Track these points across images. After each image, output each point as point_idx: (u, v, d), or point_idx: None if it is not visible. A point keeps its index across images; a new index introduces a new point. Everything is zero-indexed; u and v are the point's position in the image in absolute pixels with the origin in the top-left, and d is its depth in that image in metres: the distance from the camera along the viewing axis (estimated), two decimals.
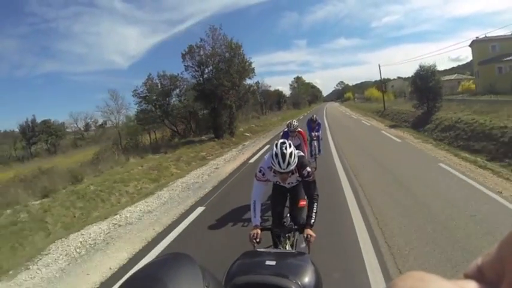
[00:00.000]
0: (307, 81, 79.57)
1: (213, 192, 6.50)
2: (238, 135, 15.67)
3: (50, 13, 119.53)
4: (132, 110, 18.93)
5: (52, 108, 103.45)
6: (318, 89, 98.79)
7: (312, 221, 2.17)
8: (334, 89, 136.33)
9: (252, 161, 9.82)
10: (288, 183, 2.46)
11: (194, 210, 5.43)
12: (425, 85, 14.84)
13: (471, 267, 0.23)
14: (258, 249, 1.56)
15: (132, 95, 17.10)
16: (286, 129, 5.13)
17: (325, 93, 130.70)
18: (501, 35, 29.55)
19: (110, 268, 3.69)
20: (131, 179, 8.19)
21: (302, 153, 2.38)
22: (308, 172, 2.26)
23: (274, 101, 43.31)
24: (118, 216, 5.58)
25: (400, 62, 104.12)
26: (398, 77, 68.07)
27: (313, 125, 6.87)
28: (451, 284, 0.20)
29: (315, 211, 2.20)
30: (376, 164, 7.88)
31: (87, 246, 4.42)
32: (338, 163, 8.06)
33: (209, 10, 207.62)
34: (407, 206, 4.74)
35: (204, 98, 14.43)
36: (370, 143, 11.50)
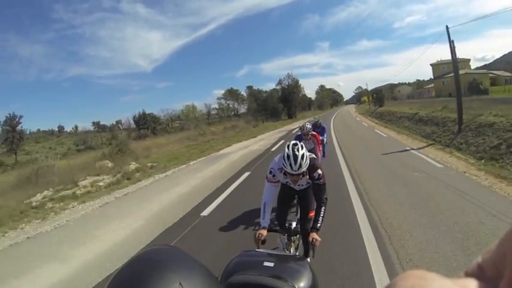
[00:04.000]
0: (330, 84, 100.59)
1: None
2: (297, 118, 37.12)
3: (76, 19, 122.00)
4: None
5: (78, 109, 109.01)
6: (339, 93, 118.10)
7: (318, 225, 2.15)
8: (354, 93, 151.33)
9: (306, 121, 31.28)
10: (298, 185, 2.45)
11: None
12: (377, 96, 35.26)
13: (472, 265, 0.23)
14: (257, 250, 1.58)
15: (244, 100, 39.68)
16: (299, 133, 4.92)
17: (347, 96, 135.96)
18: (448, 59, 48.43)
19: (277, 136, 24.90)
20: (276, 125, 29.68)
21: (314, 156, 2.39)
22: (319, 175, 2.26)
23: (305, 103, 64.16)
24: (280, 128, 26.93)
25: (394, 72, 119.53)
26: (400, 83, 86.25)
27: (317, 130, 6.33)
28: (451, 283, 0.20)
29: (322, 215, 2.18)
30: (343, 119, 28.98)
31: (270, 134, 25.75)
32: (332, 119, 28.98)
33: (231, 13, 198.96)
34: (347, 128, 25.65)
35: (284, 101, 36.27)
36: (346, 118, 32.69)
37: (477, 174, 6.60)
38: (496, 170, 6.95)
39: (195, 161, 11.85)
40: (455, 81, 12.68)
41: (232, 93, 56.91)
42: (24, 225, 6.15)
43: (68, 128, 75.77)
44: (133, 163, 12.95)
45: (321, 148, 5.19)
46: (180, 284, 0.46)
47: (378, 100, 35.26)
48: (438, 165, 7.67)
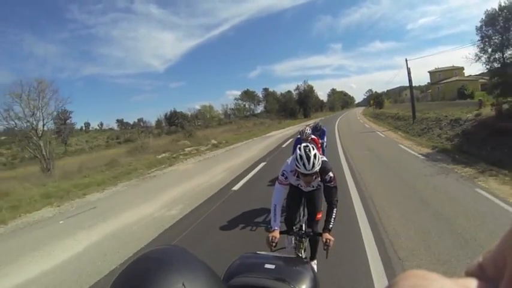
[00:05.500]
0: (343, 86, 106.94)
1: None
2: (311, 117, 45.23)
3: (90, 19, 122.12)
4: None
5: (92, 108, 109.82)
6: (350, 96, 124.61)
7: (331, 225, 2.21)
8: (364, 97, 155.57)
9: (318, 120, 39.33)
10: (309, 186, 2.52)
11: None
12: (378, 99, 42.96)
13: (473, 265, 0.24)
14: (258, 252, 1.59)
15: (259, 101, 48.11)
16: (299, 136, 4.98)
17: (359, 98, 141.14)
18: (444, 67, 55.54)
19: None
20: (295, 122, 37.83)
21: (325, 159, 2.42)
22: (330, 177, 2.32)
23: (318, 105, 71.93)
24: (299, 124, 35.14)
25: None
26: (401, 86, 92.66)
27: (317, 132, 6.54)
28: (452, 283, 0.21)
29: (333, 216, 2.24)
30: (347, 118, 36.91)
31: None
32: (339, 117, 36.88)
33: (244, 14, 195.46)
34: (347, 123, 33.63)
35: (300, 103, 44.56)
36: (350, 117, 40.55)
37: (398, 138, 14.66)
38: (412, 138, 14.94)
39: (254, 139, 20.21)
40: (411, 96, 20.64)
41: (248, 95, 63.93)
42: (192, 157, 14.01)
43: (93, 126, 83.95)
44: (213, 140, 21.25)
45: (320, 151, 5.11)
46: (183, 284, 0.47)
47: (377, 103, 42.93)
48: (383, 135, 15.80)
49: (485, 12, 15.00)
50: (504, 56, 14.02)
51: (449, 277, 0.21)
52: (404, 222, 4.26)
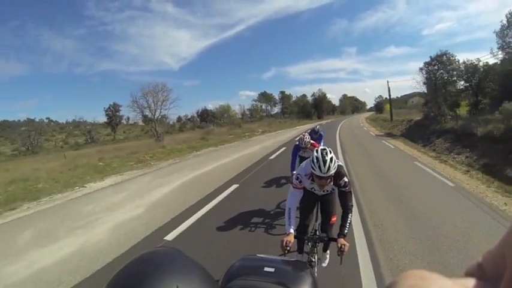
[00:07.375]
0: (357, 90, 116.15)
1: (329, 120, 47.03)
2: (324, 119, 56.30)
3: (107, 17, 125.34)
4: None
5: (105, 103, 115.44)
6: (360, 101, 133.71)
7: (346, 231, 2.22)
8: (375, 102, 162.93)
9: (329, 120, 50.28)
10: (323, 191, 2.50)
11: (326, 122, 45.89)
12: (379, 107, 53.64)
13: (472, 265, 0.24)
14: (258, 255, 1.55)
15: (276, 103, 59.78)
16: (297, 143, 5.00)
17: (372, 104, 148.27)
18: None
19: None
20: (311, 122, 49.00)
21: (341, 163, 2.39)
22: (345, 182, 2.31)
23: (330, 109, 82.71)
24: (314, 123, 46.36)
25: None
26: (414, 93, 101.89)
27: (314, 136, 6.61)
28: (452, 283, 0.21)
29: (349, 222, 2.25)
30: (351, 121, 47.93)
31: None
32: (346, 119, 47.75)
33: (259, 15, 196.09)
34: (348, 123, 44.58)
35: (315, 107, 55.96)
36: (354, 120, 51.58)
37: (373, 130, 25.81)
38: (381, 129, 26.02)
39: (286, 129, 31.70)
40: (390, 107, 31.64)
41: (266, 97, 70.78)
42: (258, 136, 25.50)
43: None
44: (259, 129, 32.77)
45: None
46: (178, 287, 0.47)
47: (378, 109, 53.47)
48: (366, 129, 27.01)
49: (430, 56, 25.75)
50: (436, 83, 24.69)
51: (449, 277, 0.21)
52: (355, 151, 15.26)
